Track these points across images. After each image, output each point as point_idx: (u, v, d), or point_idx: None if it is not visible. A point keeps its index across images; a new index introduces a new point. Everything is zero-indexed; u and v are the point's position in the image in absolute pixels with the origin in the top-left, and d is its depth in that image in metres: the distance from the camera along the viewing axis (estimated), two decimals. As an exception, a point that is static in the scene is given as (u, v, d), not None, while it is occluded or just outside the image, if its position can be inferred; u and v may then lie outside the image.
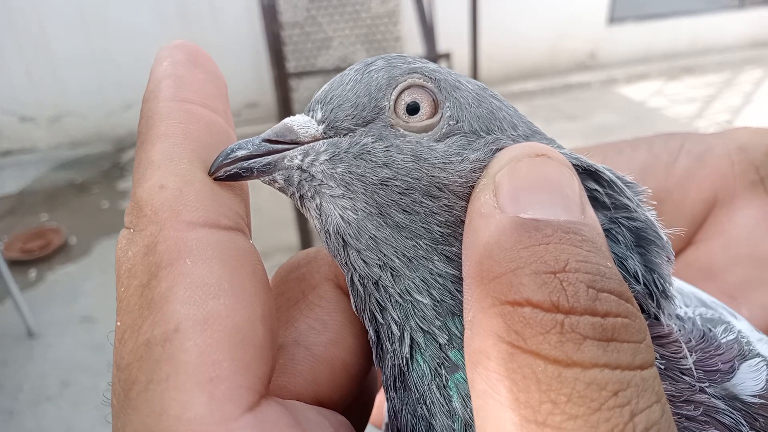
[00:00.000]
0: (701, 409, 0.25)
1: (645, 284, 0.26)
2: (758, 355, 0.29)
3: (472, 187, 0.26)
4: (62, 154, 4.80)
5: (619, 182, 0.28)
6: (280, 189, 0.28)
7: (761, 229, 0.43)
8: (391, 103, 0.27)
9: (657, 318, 0.26)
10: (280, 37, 2.44)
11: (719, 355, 0.28)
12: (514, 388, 0.19)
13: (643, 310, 0.26)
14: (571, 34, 6.06)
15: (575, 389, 0.19)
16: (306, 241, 2.47)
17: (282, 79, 2.35)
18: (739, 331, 0.31)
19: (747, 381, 0.27)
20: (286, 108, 2.41)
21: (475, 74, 2.93)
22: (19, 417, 2.53)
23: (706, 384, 0.26)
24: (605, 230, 0.27)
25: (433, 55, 2.88)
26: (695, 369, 0.26)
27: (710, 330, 0.30)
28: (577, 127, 5.19)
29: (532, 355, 0.20)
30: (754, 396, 0.27)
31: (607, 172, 0.28)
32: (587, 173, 0.28)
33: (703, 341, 0.29)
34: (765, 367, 0.28)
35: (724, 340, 0.29)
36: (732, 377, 0.27)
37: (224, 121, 0.29)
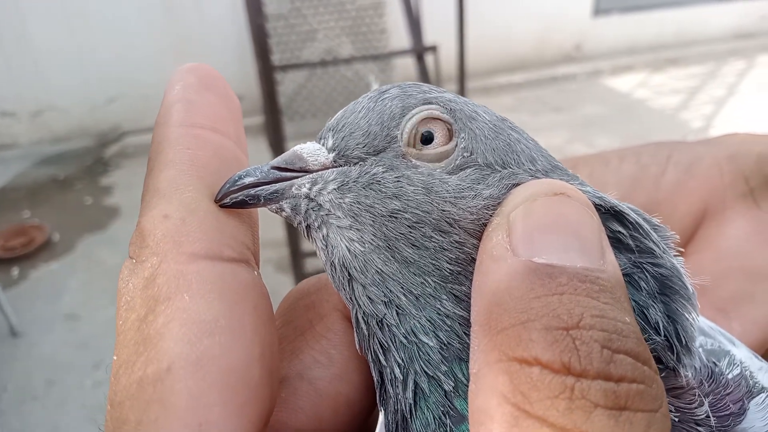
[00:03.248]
0: None
1: (666, 336, 0.25)
2: (762, 389, 0.28)
3: (485, 224, 0.25)
4: (44, 149, 4.73)
5: (645, 225, 0.26)
6: (287, 218, 0.28)
7: (752, 242, 0.42)
8: (404, 132, 0.27)
9: (675, 370, 0.25)
10: (265, 30, 2.41)
11: (729, 394, 0.27)
12: None
13: (660, 361, 0.24)
14: (557, 26, 6.08)
15: None
16: (293, 237, 2.46)
17: (267, 72, 2.33)
18: (741, 362, 0.30)
19: (756, 422, 0.26)
20: (271, 101, 2.39)
21: (462, 67, 2.92)
22: (4, 417, 2.52)
23: (721, 429, 0.25)
24: (627, 275, 0.25)
25: (419, 48, 2.87)
26: (710, 415, 0.25)
27: (715, 365, 0.29)
28: (564, 118, 5.22)
29: (538, 421, 0.18)
30: None
31: (633, 214, 0.27)
32: (611, 214, 0.26)
33: (713, 381, 0.27)
34: None
35: (730, 376, 0.28)
36: (743, 419, 0.26)
37: (235, 144, 0.28)
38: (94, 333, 3.00)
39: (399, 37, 4.74)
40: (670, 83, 6.03)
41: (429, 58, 2.86)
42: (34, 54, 4.60)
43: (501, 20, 5.75)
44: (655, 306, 0.25)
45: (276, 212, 0.28)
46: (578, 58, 6.35)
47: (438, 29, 4.09)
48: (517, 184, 0.26)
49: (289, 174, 0.27)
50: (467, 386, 0.22)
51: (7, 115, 4.77)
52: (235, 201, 0.25)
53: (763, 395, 0.27)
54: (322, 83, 4.88)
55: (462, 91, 2.96)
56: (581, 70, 6.16)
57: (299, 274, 2.55)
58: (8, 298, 2.94)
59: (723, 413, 0.26)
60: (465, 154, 0.27)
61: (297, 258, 2.50)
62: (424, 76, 2.88)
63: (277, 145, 2.33)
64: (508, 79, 5.89)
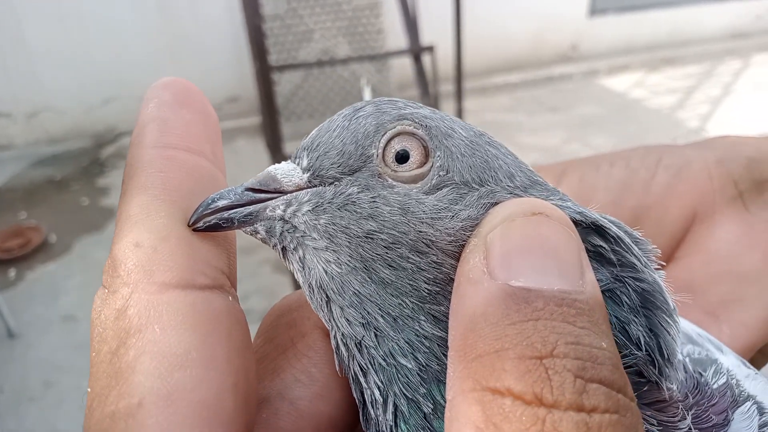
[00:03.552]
0: None
1: (648, 351, 0.25)
2: (748, 397, 0.28)
3: (463, 245, 0.25)
4: (40, 150, 4.72)
5: (627, 239, 0.26)
6: (263, 240, 0.27)
7: (741, 245, 0.42)
8: (380, 150, 0.26)
9: (657, 384, 0.25)
10: (262, 31, 2.41)
11: (713, 406, 0.27)
12: None
13: (643, 375, 0.24)
14: (553, 26, 6.09)
15: None
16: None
17: (264, 72, 2.33)
18: (728, 371, 0.30)
19: (742, 430, 0.26)
20: (268, 102, 2.39)
21: (459, 67, 2.93)
22: (1, 418, 2.51)
23: None
24: (609, 290, 0.25)
25: (416, 48, 2.87)
26: (692, 428, 0.25)
27: (701, 375, 0.29)
28: (560, 118, 5.22)
29: None
30: None
31: (614, 227, 0.26)
32: (592, 228, 0.26)
33: (697, 392, 0.27)
34: (756, 410, 0.27)
35: (716, 386, 0.28)
36: (727, 429, 0.26)
37: (211, 163, 0.28)
38: (91, 334, 3.03)
39: (395, 37, 4.74)
40: (666, 83, 6.04)
41: (426, 59, 2.87)
42: (30, 55, 4.58)
43: (497, 20, 5.75)
44: (637, 320, 0.25)
45: (251, 234, 0.27)
46: (575, 58, 6.36)
47: (435, 30, 4.10)
48: (496, 203, 0.26)
49: (263, 195, 0.26)
50: (442, 404, 0.23)
51: (3, 116, 4.75)
52: (209, 225, 0.25)
53: (748, 404, 0.27)
54: (318, 83, 4.87)
55: (459, 91, 2.96)
56: (578, 70, 6.17)
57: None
58: (5, 300, 2.92)
59: (706, 425, 0.26)
60: (441, 173, 0.26)
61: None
62: (421, 76, 2.89)
63: (275, 146, 2.33)
64: (504, 79, 5.89)
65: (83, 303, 3.18)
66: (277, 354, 0.29)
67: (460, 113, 3.03)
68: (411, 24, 2.90)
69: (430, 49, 2.78)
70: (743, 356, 0.35)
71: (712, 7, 6.89)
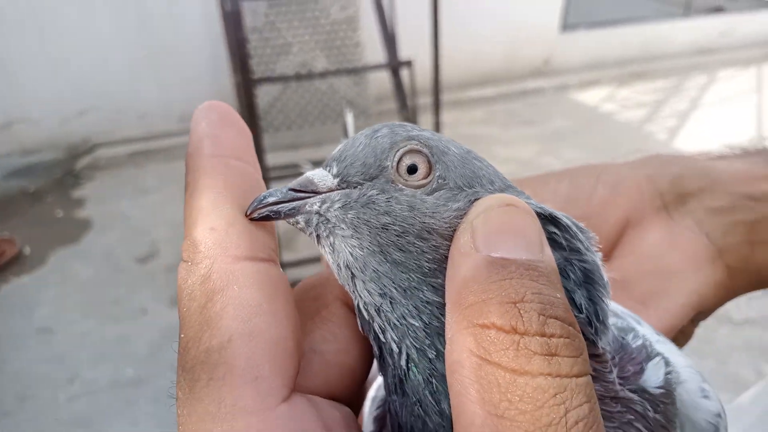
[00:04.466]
0: (621, 402, 0.32)
1: (587, 315, 0.32)
2: (658, 354, 0.37)
3: (455, 230, 0.31)
4: (13, 161, 4.65)
5: (574, 228, 0.33)
6: (301, 229, 0.34)
7: (665, 247, 0.52)
8: (394, 163, 0.33)
9: (594, 342, 0.32)
10: (245, 45, 2.44)
11: (632, 359, 0.36)
12: (481, 390, 0.25)
13: (583, 335, 0.31)
14: (527, 41, 6.21)
15: (525, 392, 0.24)
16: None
17: (246, 85, 2.36)
18: (643, 336, 0.39)
19: (651, 377, 0.35)
20: (250, 114, 2.41)
21: (436, 81, 2.98)
22: (-24, 434, 2.48)
23: (624, 386, 0.34)
24: (560, 267, 0.32)
25: (395, 62, 2.92)
26: (617, 378, 0.33)
27: (623, 338, 0.38)
28: (533, 131, 5.33)
29: (495, 366, 0.25)
30: (657, 388, 0.35)
31: (565, 219, 0.34)
32: (548, 219, 0.33)
33: (621, 351, 0.36)
34: (663, 363, 0.36)
35: (634, 345, 0.37)
36: (642, 376, 0.35)
37: (253, 169, 0.35)
38: (68, 347, 2.97)
39: (373, 50, 4.78)
40: (635, 97, 6.20)
41: (404, 72, 2.93)
42: (4, 65, 4.53)
43: (472, 36, 5.86)
44: (579, 291, 0.32)
45: (293, 224, 0.34)
46: (547, 73, 6.49)
47: (413, 44, 4.16)
48: (479, 199, 0.33)
49: (302, 194, 0.33)
50: (444, 351, 0.29)
51: (-25, 127, 4.68)
52: (262, 215, 0.31)
53: (657, 358, 0.37)
54: (296, 96, 4.90)
55: (437, 104, 3.01)
56: (550, 85, 6.30)
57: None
58: (-21, 313, 2.89)
59: (626, 374, 0.35)
60: (440, 181, 0.33)
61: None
62: (399, 90, 2.93)
63: (257, 157, 2.35)
64: (479, 92, 6.00)
65: (59, 315, 3.16)
66: (306, 320, 0.36)
67: (437, 126, 3.08)
68: (389, 38, 2.95)
69: (408, 63, 2.84)
70: (667, 335, 0.45)
71: (679, 23, 7.10)
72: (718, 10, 7.76)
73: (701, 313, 0.53)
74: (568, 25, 6.40)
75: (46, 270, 3.51)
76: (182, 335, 0.28)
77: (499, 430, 0.24)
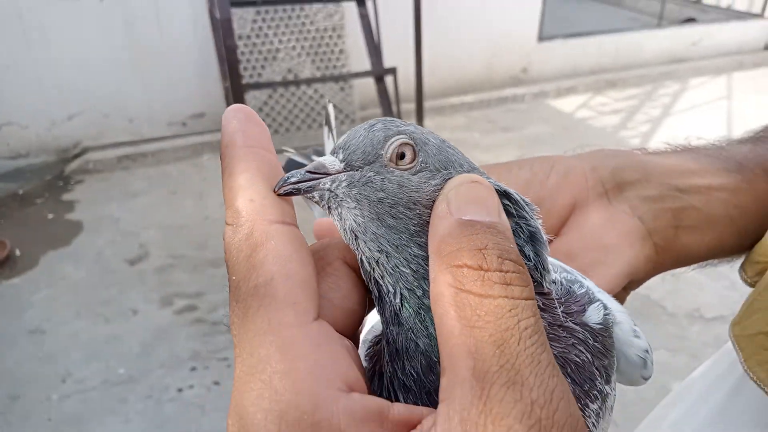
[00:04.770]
0: (567, 330, 0.41)
1: (534, 264, 0.41)
2: (598, 300, 0.46)
3: (434, 201, 0.40)
4: (2, 164, 4.65)
5: (521, 201, 0.42)
6: (316, 202, 0.43)
7: (604, 227, 0.61)
8: (387, 152, 0.41)
9: (540, 284, 0.41)
10: (236, 51, 2.52)
11: (576, 302, 0.45)
12: (458, 310, 0.32)
13: (533, 278, 0.41)
14: (505, 50, 6.32)
15: (490, 309, 0.32)
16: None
17: (236, 91, 2.44)
18: (587, 287, 0.48)
19: (592, 315, 0.44)
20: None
21: (419, 88, 3.07)
22: (-33, 433, 2.45)
23: (569, 319, 0.43)
24: (513, 229, 0.40)
25: (379, 70, 3.02)
26: (562, 313, 0.42)
27: (570, 287, 0.47)
28: (512, 137, 5.43)
29: (467, 293, 0.32)
30: (597, 324, 0.44)
31: (515, 195, 0.42)
32: (503, 194, 0.41)
33: (567, 295, 0.46)
34: (602, 306, 0.45)
35: (579, 292, 0.46)
36: (584, 314, 0.44)
37: (274, 157, 0.43)
38: (60, 347, 2.98)
39: (357, 58, 4.85)
40: (610, 104, 6.34)
41: (388, 80, 3.01)
42: (-9, 69, 4.53)
43: (453, 45, 5.94)
44: (527, 247, 0.41)
45: (310, 198, 0.42)
46: (525, 81, 6.57)
47: (394, 52, 4.23)
48: (452, 177, 0.41)
49: (317, 175, 0.41)
50: (428, 290, 0.39)
51: (-37, 131, 4.66)
52: (287, 191, 0.39)
53: (597, 303, 0.46)
54: (283, 101, 4.96)
55: (420, 111, 3.11)
56: (528, 92, 6.38)
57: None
58: (-30, 315, 2.84)
59: (571, 311, 0.44)
60: (422, 164, 0.41)
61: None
62: (383, 96, 3.02)
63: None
64: (460, 99, 6.07)
65: (50, 316, 3.17)
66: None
67: (420, 131, 3.15)
68: (374, 47, 3.04)
69: (392, 70, 2.93)
70: None
71: (652, 33, 7.29)
72: (689, 20, 7.99)
73: (633, 282, 0.63)
74: (545, 35, 6.53)
75: (37, 272, 3.52)
76: (233, 277, 0.35)
77: (472, 335, 0.31)
